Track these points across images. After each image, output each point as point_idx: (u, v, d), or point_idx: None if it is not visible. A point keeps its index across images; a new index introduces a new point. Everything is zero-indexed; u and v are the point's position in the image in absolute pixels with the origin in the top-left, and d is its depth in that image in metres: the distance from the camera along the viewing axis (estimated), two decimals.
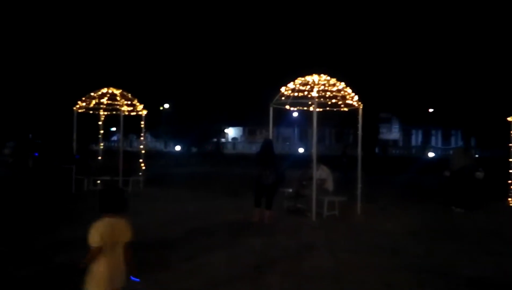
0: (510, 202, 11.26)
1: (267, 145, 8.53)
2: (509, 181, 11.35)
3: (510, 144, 11.58)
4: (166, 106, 43.32)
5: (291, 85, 9.63)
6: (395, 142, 53.49)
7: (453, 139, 53.46)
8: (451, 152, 17.73)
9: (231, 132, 55.98)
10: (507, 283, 5.19)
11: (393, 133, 54.70)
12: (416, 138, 55.98)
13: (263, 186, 8.27)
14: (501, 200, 11.35)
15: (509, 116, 11.56)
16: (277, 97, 9.90)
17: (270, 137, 9.62)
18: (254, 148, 30.33)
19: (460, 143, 49.56)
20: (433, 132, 54.80)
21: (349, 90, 9.65)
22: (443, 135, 54.69)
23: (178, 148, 43.84)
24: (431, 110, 45.51)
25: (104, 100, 12.75)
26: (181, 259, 5.87)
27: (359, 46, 23.70)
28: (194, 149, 41.62)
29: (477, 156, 12.56)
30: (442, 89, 30.52)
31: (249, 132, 55.38)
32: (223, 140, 51.39)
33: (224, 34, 29.42)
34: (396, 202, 11.49)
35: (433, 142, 54.43)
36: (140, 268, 5.57)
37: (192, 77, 32.91)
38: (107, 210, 3.37)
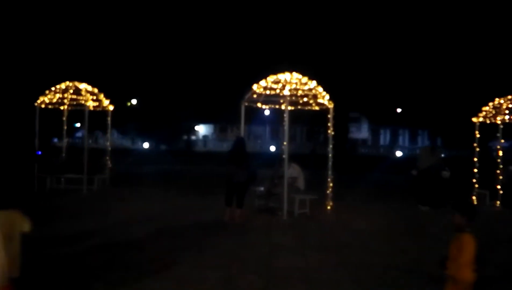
0: (475, 200, 11.64)
1: (239, 143, 8.41)
2: (474, 180, 11.72)
3: (474, 144, 11.98)
4: (134, 101, 42.28)
5: (263, 83, 9.56)
6: (364, 141, 54.54)
7: (420, 139, 55.05)
8: (418, 151, 18.19)
9: (201, 129, 55.39)
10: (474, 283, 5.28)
11: (362, 132, 55.75)
12: (385, 138, 57.29)
13: (234, 184, 8.16)
14: (466, 199, 11.71)
15: (473, 117, 11.94)
16: (248, 94, 9.81)
17: (242, 135, 9.51)
18: (226, 146, 30.09)
19: (426, 142, 51.14)
20: (401, 131, 56.24)
21: (320, 89, 9.67)
22: (410, 135, 56.23)
23: (146, 145, 42.88)
24: (399, 110, 46.69)
25: (68, 95, 12.27)
26: (148, 260, 5.68)
27: (330, 46, 23.95)
28: (163, 147, 40.90)
29: (443, 155, 12.89)
30: (409, 89, 31.32)
31: (220, 130, 54.94)
32: (193, 137, 50.81)
33: (195, 30, 29.01)
34: (365, 200, 11.64)
35: (400, 142, 55.86)
36: (105, 269, 5.43)
37: (161, 72, 32.11)
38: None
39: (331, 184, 9.74)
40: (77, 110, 13.15)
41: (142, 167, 20.38)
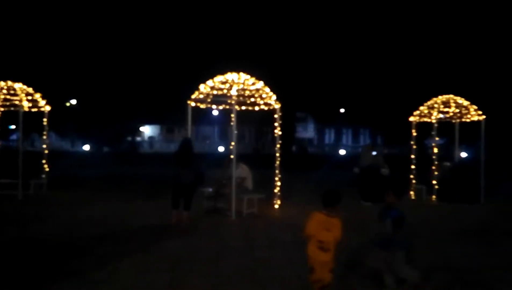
0: (412, 195, 12.34)
1: (186, 144, 8.27)
2: (411, 176, 12.43)
3: (411, 142, 12.70)
4: (73, 101, 40.11)
5: (210, 83, 9.48)
6: (310, 140, 55.98)
7: (362, 138, 57.49)
8: (360, 150, 18.98)
9: (147, 130, 53.85)
10: None
11: (308, 132, 57.17)
12: (329, 137, 59.16)
13: (181, 186, 8.00)
14: (404, 194, 12.37)
15: (410, 116, 12.66)
16: (195, 94, 9.68)
17: (189, 135, 9.36)
18: (173, 147, 29.50)
19: (368, 141, 53.52)
20: (344, 130, 58.39)
21: (267, 89, 9.77)
22: (353, 134, 58.56)
23: (87, 147, 40.78)
24: (342, 110, 48.44)
25: (1, 95, 11.44)
26: (91, 267, 5.43)
27: (276, 47, 24.29)
28: (106, 149, 39.19)
29: (383, 153, 13.49)
30: (352, 90, 32.57)
31: (167, 131, 53.72)
32: (138, 138, 49.26)
33: (140, 26, 28.10)
34: (311, 198, 11.89)
35: (344, 140, 57.96)
36: (45, 278, 5.10)
37: (103, 70, 30.66)
38: None
39: (278, 183, 9.87)
40: (11, 111, 12.26)
41: (82, 171, 19.44)
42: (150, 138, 52.52)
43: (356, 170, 11.68)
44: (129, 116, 37.24)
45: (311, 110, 49.84)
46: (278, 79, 17.76)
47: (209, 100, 9.90)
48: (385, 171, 11.52)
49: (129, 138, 43.73)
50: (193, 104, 9.82)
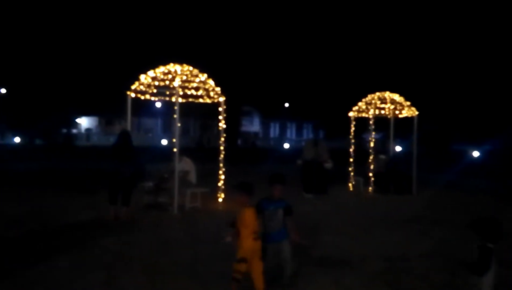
0: (350, 187, 12.85)
1: (124, 136, 7.93)
2: (350, 169, 12.93)
3: (350, 136, 13.20)
4: (2, 90, 37.12)
5: (151, 73, 9.16)
6: (256, 134, 56.46)
7: (305, 132, 58.98)
8: (303, 143, 19.42)
9: (84, 122, 51.17)
10: (345, 261, 5.80)
11: (254, 125, 57.60)
12: (274, 130, 60.06)
13: (120, 180, 7.68)
14: (344, 185, 12.88)
15: (349, 112, 13.14)
16: (135, 84, 9.32)
17: (129, 128, 8.99)
18: (112, 140, 28.27)
19: (311, 135, 55.01)
20: (289, 125, 59.57)
21: (211, 82, 9.64)
22: (297, 128, 59.90)
23: (18, 140, 37.94)
24: (286, 104, 49.33)
25: None
26: (24, 265, 5.07)
27: (221, 41, 24.11)
28: (39, 141, 36.71)
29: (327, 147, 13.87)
30: (296, 85, 33.25)
31: (105, 123, 51.36)
32: (74, 131, 46.71)
33: (76, 12, 26.55)
34: (255, 191, 11.99)
35: (288, 134, 59.14)
36: None
37: (36, 57, 28.58)
38: None
39: (222, 177, 9.81)
40: None
41: (13, 164, 18.09)
42: (87, 130, 50.01)
43: (299, 162, 11.95)
44: (64, 106, 35.07)
45: (257, 104, 50.26)
46: (222, 72, 17.66)
47: (150, 91, 9.58)
48: (328, 165, 11.89)
49: (65, 130, 41.34)
50: (133, 95, 9.45)
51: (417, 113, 12.54)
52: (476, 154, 25.13)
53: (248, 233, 4.11)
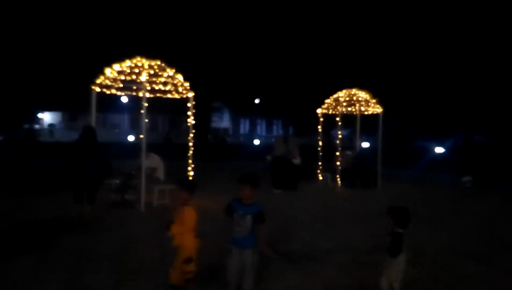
0: (319, 182, 13.06)
1: (88, 132, 7.70)
2: (318, 165, 13.14)
3: (319, 132, 13.39)
4: None
5: (117, 67, 8.94)
6: (226, 130, 56.29)
7: (275, 128, 59.33)
8: (273, 139, 19.54)
9: (47, 117, 49.30)
10: (312, 255, 5.90)
11: (224, 121, 57.39)
12: (244, 127, 60.07)
13: (84, 178, 7.46)
14: (313, 181, 13.07)
15: (318, 109, 13.32)
16: (100, 79, 9.07)
17: (93, 123, 8.76)
18: (77, 136, 27.37)
19: (281, 131, 55.41)
20: (259, 121, 59.73)
21: (180, 77, 9.52)
22: (267, 124, 60.17)
23: None
24: (257, 101, 49.39)
25: None
26: None
27: (191, 36, 23.85)
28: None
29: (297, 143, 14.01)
30: (266, 81, 33.36)
31: (70, 118, 49.66)
32: (37, 126, 44.95)
33: (41, 6, 25.52)
34: (225, 187, 11.97)
35: (258, 131, 59.31)
36: None
37: None
38: None
39: (191, 173, 9.72)
40: None
41: None
42: (50, 125, 48.25)
43: (268, 158, 12.04)
44: (26, 101, 33.63)
45: (227, 100, 50.05)
46: (192, 68, 17.46)
47: (116, 85, 9.35)
48: (297, 161, 12.03)
49: (27, 126, 39.73)
50: (98, 89, 9.20)
51: (382, 110, 12.87)
52: (438, 150, 26.10)
53: (188, 231, 3.98)
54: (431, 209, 9.64)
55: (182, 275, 4.02)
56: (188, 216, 3.99)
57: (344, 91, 12.82)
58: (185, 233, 3.98)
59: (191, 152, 9.80)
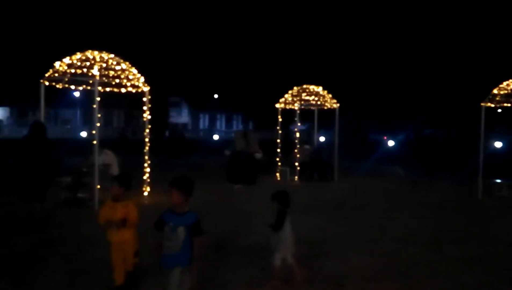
0: (278, 176, 13.19)
1: (37, 128, 7.30)
2: (277, 159, 13.26)
3: (277, 127, 13.50)
4: None
5: (67, 60, 8.54)
6: (184, 125, 55.54)
7: (234, 123, 59.23)
8: (232, 135, 19.45)
9: None
10: (271, 248, 5.94)
11: (183, 117, 56.55)
12: (204, 122, 59.50)
13: (33, 176, 7.07)
14: (272, 175, 13.18)
15: (277, 103, 13.42)
16: (50, 72, 8.64)
17: (42, 118, 8.33)
18: (26, 132, 25.94)
19: (240, 126, 55.40)
20: (218, 116, 59.35)
21: (134, 70, 9.25)
22: (227, 119, 59.94)
23: None
24: (216, 95, 49.11)
25: None
26: None
27: (147, 30, 23.24)
28: None
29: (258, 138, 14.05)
30: (225, 76, 33.21)
31: (19, 114, 47.03)
32: None
33: None
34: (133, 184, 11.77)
35: (218, 126, 58.94)
36: None
37: None
38: None
39: (148, 170, 9.51)
40: None
41: None
42: None
43: (227, 152, 11.99)
44: None
45: (185, 95, 49.38)
46: (148, 62, 17.05)
47: (66, 79, 8.94)
48: (258, 155, 12.08)
49: None
50: (47, 83, 8.75)
51: (338, 105, 13.17)
52: (391, 143, 27.15)
53: (134, 226, 4.04)
54: (385, 200, 10.02)
55: (128, 269, 4.03)
56: (133, 211, 3.97)
57: (302, 86, 12.99)
58: (131, 228, 3.99)
59: (147, 148, 9.57)
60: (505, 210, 9.07)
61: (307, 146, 13.76)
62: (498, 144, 21.62)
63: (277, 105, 13.37)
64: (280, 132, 13.44)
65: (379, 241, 6.38)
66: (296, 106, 13.10)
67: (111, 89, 9.60)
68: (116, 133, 31.22)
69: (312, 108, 13.97)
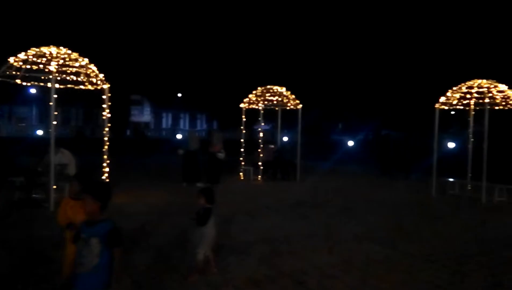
0: (241, 176, 13.22)
1: None
2: (241, 158, 13.29)
3: (241, 127, 13.53)
4: None
5: (21, 55, 8.16)
6: (146, 124, 54.41)
7: (198, 122, 58.70)
8: (187, 134, 19.25)
9: None
10: (232, 248, 5.97)
11: (145, 115, 55.39)
12: (167, 121, 58.54)
13: None
14: (236, 175, 13.19)
15: (241, 103, 13.45)
16: (3, 68, 8.22)
17: None
18: None
19: (205, 125, 55.02)
20: (182, 115, 58.58)
21: (93, 67, 8.97)
22: (190, 118, 59.27)
23: None
24: (179, 94, 48.44)
25: None
26: None
27: (108, 26, 22.61)
28: None
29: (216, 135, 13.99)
30: (188, 75, 32.86)
31: None
32: None
33: None
34: (143, 183, 11.60)
35: (181, 125, 58.18)
36: None
37: None
38: None
39: (107, 169, 9.25)
40: None
41: None
42: None
43: (180, 151, 11.89)
44: None
45: (148, 94, 48.40)
46: (108, 59, 16.59)
47: (21, 75, 8.54)
48: (221, 155, 12.04)
49: None
50: (1, 79, 8.32)
51: (301, 106, 13.38)
52: (350, 143, 27.87)
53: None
54: (345, 198, 10.29)
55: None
56: (71, 209, 3.79)
57: (265, 86, 13.09)
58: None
59: (106, 147, 9.32)
60: (457, 207, 9.57)
61: (271, 146, 13.89)
62: (451, 145, 22.75)
63: (241, 105, 13.40)
64: (244, 131, 13.48)
65: (337, 239, 6.55)
66: (260, 106, 13.18)
67: (69, 86, 9.26)
68: (74, 132, 30.17)
69: (275, 108, 14.11)
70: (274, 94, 13.01)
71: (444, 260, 5.61)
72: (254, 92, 13.21)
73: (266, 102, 13.18)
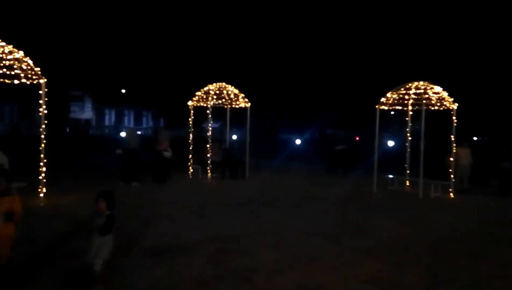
0: (189, 175, 13.01)
1: None
2: (189, 157, 13.08)
3: (190, 125, 13.33)
4: None
5: None
6: (88, 121, 51.99)
7: (144, 120, 57.03)
8: (125, 131, 18.66)
9: None
10: (179, 247, 5.86)
11: (85, 112, 52.87)
12: (110, 118, 56.28)
13: None
14: (184, 173, 12.96)
15: (188, 101, 13.24)
16: None
17: None
18: None
19: (151, 123, 53.56)
20: (126, 112, 56.58)
21: (29, 60, 8.39)
22: (136, 115, 57.43)
23: None
24: (123, 90, 46.80)
25: None
26: None
27: (46, 18, 21.30)
28: None
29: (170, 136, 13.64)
30: (133, 71, 31.83)
31: None
32: None
33: None
34: (82, 183, 11.03)
35: (126, 122, 56.21)
36: None
37: None
38: None
39: (44, 169, 8.69)
40: None
41: None
42: None
43: (118, 151, 11.51)
44: None
45: (89, 89, 46.28)
46: (46, 52, 15.61)
47: None
48: (168, 153, 11.77)
49: None
50: None
51: (249, 104, 13.42)
52: (298, 141, 28.48)
53: (19, 221, 4.13)
54: (292, 195, 10.47)
55: (2, 262, 4.04)
56: (19, 207, 4.08)
57: (214, 84, 12.98)
58: (16, 223, 4.05)
59: (43, 145, 8.75)
60: (396, 202, 10.08)
61: (220, 144, 13.80)
62: (390, 143, 23.96)
63: (189, 103, 13.19)
64: (192, 130, 13.28)
65: (284, 235, 6.64)
66: (209, 104, 13.05)
67: (1, 80, 8.58)
68: (8, 129, 28.11)
69: (224, 106, 14.03)
70: (222, 92, 12.93)
71: (386, 254, 5.88)
72: (202, 89, 13.05)
73: (214, 100, 13.07)
